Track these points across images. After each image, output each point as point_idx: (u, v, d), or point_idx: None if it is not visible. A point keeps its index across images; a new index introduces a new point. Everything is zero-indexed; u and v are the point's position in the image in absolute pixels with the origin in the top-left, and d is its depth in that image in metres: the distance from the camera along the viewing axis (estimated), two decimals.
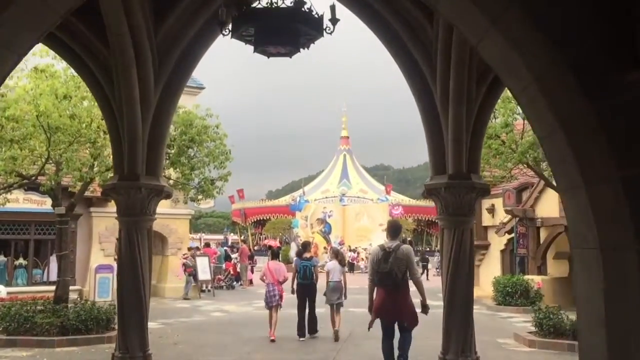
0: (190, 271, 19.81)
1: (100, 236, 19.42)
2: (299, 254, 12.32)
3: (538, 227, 17.25)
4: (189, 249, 27.11)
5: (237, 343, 11.36)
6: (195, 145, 12.25)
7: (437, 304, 8.49)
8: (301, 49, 4.97)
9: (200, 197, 13.63)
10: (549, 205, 16.97)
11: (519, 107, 11.47)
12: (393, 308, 7.31)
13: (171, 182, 13.53)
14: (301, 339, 11.49)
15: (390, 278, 7.10)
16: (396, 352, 7.80)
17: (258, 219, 55.63)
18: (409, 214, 48.92)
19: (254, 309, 17.12)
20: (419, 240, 61.47)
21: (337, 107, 63.46)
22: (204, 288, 22.05)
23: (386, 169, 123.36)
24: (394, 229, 7.57)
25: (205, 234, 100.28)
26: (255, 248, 52.73)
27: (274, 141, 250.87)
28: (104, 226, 19.51)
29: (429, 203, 56.01)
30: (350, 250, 39.30)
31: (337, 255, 12.68)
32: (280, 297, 11.47)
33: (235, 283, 25.08)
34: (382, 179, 64.86)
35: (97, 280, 18.49)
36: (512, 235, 19.05)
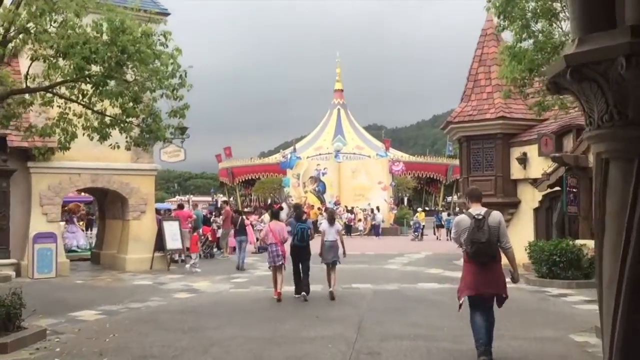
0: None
1: (42, 197, 15.65)
2: (299, 217, 12.28)
3: (591, 178, 13.56)
4: (157, 211, 23.47)
5: (195, 350, 7.70)
6: (133, 61, 8.37)
7: None
8: None
9: (147, 137, 9.78)
10: None
11: None
12: (491, 281, 6.59)
13: (107, 120, 9.70)
14: (296, 295, 11.46)
15: (489, 248, 6.48)
16: None
17: (247, 178, 52.06)
18: (409, 172, 45.36)
19: (231, 286, 13.50)
20: (416, 199, 58.13)
21: (332, 63, 58.86)
22: (176, 258, 18.47)
23: (379, 128, 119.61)
24: (477, 194, 6.92)
25: (194, 195, 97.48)
26: (247, 210, 49.26)
27: (267, 103, 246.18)
28: (46, 185, 15.75)
29: (429, 159, 52.85)
30: (347, 211, 35.69)
31: (327, 213, 12.98)
32: (284, 256, 11.58)
33: (216, 251, 21.52)
34: (376, 137, 61.03)
35: (36, 252, 14.78)
36: (549, 190, 15.43)
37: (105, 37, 8.18)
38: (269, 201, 47.54)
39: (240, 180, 53.31)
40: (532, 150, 16.39)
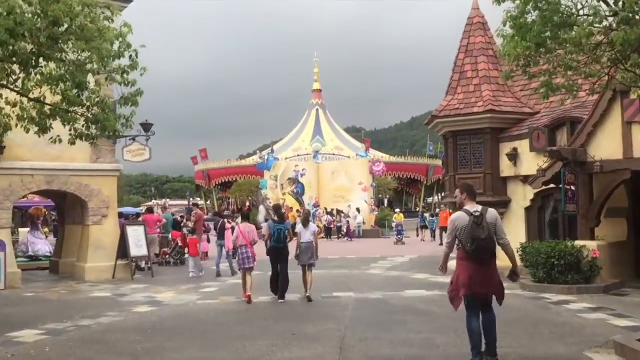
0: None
1: None
2: (280, 218, 11.96)
3: (590, 173, 12.53)
4: (126, 216, 22.10)
5: None
6: (70, 37, 7.05)
7: None
8: None
9: (93, 131, 8.47)
10: (609, 144, 12.23)
11: None
12: (487, 279, 6.38)
13: (47, 109, 8.36)
14: (274, 295, 11.51)
15: (490, 244, 6.32)
16: None
17: (223, 180, 50.61)
18: (389, 172, 44.31)
19: (199, 297, 12.18)
20: (396, 200, 57.13)
21: (310, 66, 57.12)
22: (142, 266, 17.09)
23: (358, 130, 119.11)
24: (474, 191, 6.82)
25: (171, 199, 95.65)
26: (225, 213, 47.65)
27: (247, 106, 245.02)
28: None
29: (410, 160, 51.83)
30: (326, 213, 34.49)
31: (301, 215, 13.09)
32: (253, 258, 11.44)
33: (186, 257, 20.09)
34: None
35: None
36: (542, 187, 14.36)
37: (38, 8, 6.84)
38: (247, 203, 46.17)
39: (217, 183, 51.88)
40: (522, 146, 15.33)
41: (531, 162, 15.00)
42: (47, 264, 18.43)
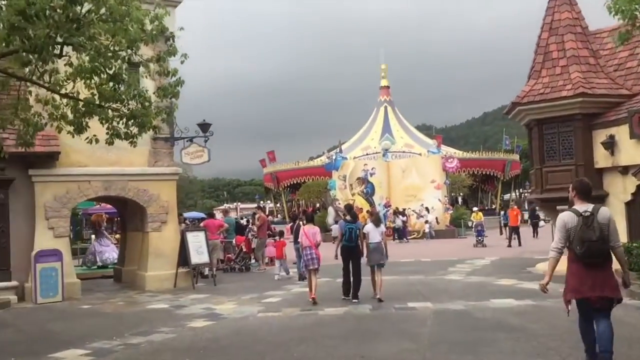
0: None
1: (47, 209, 13.71)
2: (354, 218, 11.92)
3: None
4: (184, 219, 21.43)
5: None
6: (92, 18, 6.08)
7: None
8: None
9: (132, 129, 7.54)
10: None
11: None
12: (599, 283, 5.81)
13: (82, 106, 7.48)
14: (344, 297, 11.53)
15: (602, 246, 5.79)
16: None
17: (292, 183, 49.95)
18: (463, 169, 42.19)
19: (261, 309, 11.12)
20: (471, 198, 54.72)
21: (379, 63, 55.17)
22: (206, 273, 16.33)
23: (428, 128, 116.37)
24: (587, 190, 6.15)
25: (243, 202, 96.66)
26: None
27: (320, 108, 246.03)
28: (51, 195, 13.81)
29: (485, 155, 49.39)
30: (396, 213, 32.94)
31: (372, 215, 12.90)
32: (318, 259, 11.49)
33: (253, 262, 19.24)
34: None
35: (38, 273, 12.82)
36: None
37: None
38: (317, 205, 45.26)
39: (285, 185, 51.29)
40: (621, 132, 13.46)
41: (632, 151, 13.14)
42: (110, 272, 18.03)
